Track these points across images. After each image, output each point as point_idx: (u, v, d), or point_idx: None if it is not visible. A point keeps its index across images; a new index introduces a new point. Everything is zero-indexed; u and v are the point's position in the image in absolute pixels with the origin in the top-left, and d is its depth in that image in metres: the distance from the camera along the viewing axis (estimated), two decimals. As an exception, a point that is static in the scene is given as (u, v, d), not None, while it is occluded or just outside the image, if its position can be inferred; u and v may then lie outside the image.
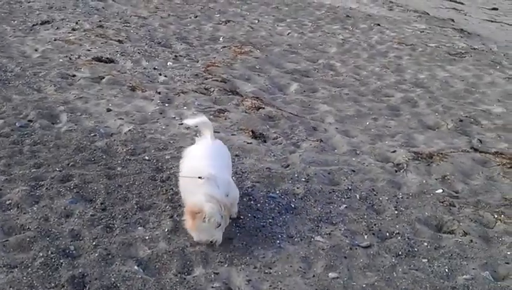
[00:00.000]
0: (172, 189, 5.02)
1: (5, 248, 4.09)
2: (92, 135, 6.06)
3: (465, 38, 12.75)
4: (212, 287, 3.90)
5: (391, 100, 8.19)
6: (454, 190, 5.63)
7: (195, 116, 5.34)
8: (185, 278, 3.96)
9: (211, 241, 4.23)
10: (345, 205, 5.12)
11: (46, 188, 4.91)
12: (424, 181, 5.71)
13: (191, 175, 4.34)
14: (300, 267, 4.21)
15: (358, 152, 6.29)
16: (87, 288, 3.78)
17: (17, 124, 6.10)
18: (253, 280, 4.02)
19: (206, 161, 4.57)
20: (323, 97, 8.04)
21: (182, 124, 6.51)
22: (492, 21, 15.85)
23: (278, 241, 4.50)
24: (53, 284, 3.77)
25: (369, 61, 10.15)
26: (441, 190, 5.55)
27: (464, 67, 10.16)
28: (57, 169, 5.27)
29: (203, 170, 4.34)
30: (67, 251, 4.12)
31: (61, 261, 3.99)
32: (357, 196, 5.31)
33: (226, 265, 4.14)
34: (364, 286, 4.05)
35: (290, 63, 9.55)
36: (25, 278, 3.80)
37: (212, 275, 4.01)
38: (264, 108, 7.24)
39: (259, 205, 4.99)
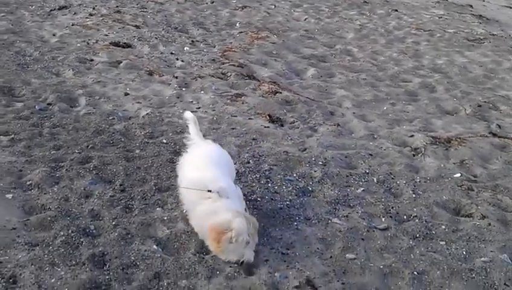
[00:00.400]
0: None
1: (27, 226, 4.14)
2: (111, 118, 6.10)
3: (483, 24, 12.62)
4: (230, 266, 3.92)
5: (409, 85, 8.14)
6: (472, 174, 5.62)
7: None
8: (203, 258, 3.99)
9: (242, 262, 3.92)
10: (362, 188, 5.13)
11: (66, 170, 4.96)
12: (442, 165, 5.69)
13: (198, 188, 4.08)
14: (318, 248, 4.22)
15: (375, 136, 6.28)
16: (107, 266, 3.83)
17: (36, 107, 6.16)
18: (271, 260, 4.04)
19: (211, 171, 4.26)
20: (341, 82, 8.02)
21: (199, 108, 6.55)
22: (511, 7, 15.64)
23: (296, 223, 4.51)
24: (74, 262, 3.82)
25: (387, 46, 10.09)
26: (459, 174, 5.53)
27: (483, 53, 10.07)
28: (76, 151, 5.32)
29: (212, 184, 4.07)
30: (88, 230, 4.17)
31: (82, 240, 4.05)
32: (375, 179, 5.31)
33: (244, 246, 4.16)
34: (381, 267, 4.06)
35: (306, 48, 9.53)
36: (46, 255, 3.85)
37: (230, 255, 4.04)
38: (281, 92, 7.24)
39: (276, 187, 5.01)
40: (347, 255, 4.17)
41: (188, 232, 4.23)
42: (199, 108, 6.59)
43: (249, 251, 3.92)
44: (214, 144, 4.77)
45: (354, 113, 6.92)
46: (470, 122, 6.93)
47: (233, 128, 6.12)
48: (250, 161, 5.43)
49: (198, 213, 4.09)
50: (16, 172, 4.85)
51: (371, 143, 6.10)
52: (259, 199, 4.80)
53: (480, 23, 12.65)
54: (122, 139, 5.65)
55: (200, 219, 4.06)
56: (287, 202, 4.80)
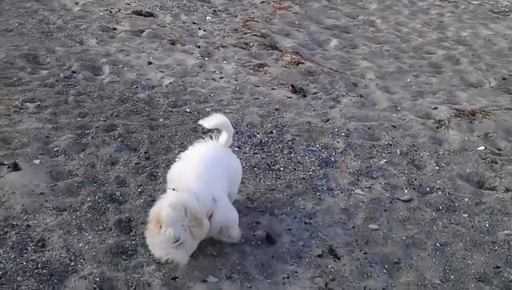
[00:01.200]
0: (213, 140, 5.06)
1: (54, 192, 4.22)
2: (134, 86, 6.14)
3: (509, -4, 12.39)
4: (254, 235, 3.96)
5: (433, 57, 8.06)
6: (496, 147, 5.58)
7: (213, 117, 4.03)
8: (227, 226, 4.03)
9: (166, 261, 3.38)
10: (385, 160, 5.12)
11: (92, 137, 5.03)
12: (466, 138, 5.66)
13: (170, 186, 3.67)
14: (341, 218, 4.25)
15: (399, 108, 6.25)
16: (133, 232, 3.90)
17: (61, 74, 6.22)
18: (294, 229, 4.08)
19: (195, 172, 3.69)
20: (364, 53, 7.96)
21: (222, 77, 6.56)
22: (538, -21, 15.31)
23: (318, 194, 4.53)
24: (101, 227, 3.90)
25: (410, 18, 9.97)
26: (483, 147, 5.50)
27: (508, 26, 9.89)
28: (102, 119, 5.38)
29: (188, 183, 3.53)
30: (114, 197, 4.24)
31: (108, 205, 4.12)
32: (398, 151, 5.30)
33: (267, 214, 4.20)
34: (404, 238, 4.07)
35: (329, 18, 9.45)
36: (73, 220, 3.93)
37: (254, 224, 4.08)
38: (303, 63, 7.21)
39: (299, 157, 5.03)
40: (370, 225, 4.19)
41: (212, 200, 4.27)
42: (222, 78, 6.61)
43: (178, 252, 3.28)
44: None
45: (377, 84, 6.88)
46: (494, 95, 6.86)
47: (256, 99, 6.13)
48: (273, 131, 5.45)
49: None
50: (43, 138, 4.93)
51: (394, 115, 6.07)
52: (282, 168, 4.83)
53: (505, -5, 12.42)
54: (146, 108, 5.69)
55: None
56: (310, 173, 4.82)
